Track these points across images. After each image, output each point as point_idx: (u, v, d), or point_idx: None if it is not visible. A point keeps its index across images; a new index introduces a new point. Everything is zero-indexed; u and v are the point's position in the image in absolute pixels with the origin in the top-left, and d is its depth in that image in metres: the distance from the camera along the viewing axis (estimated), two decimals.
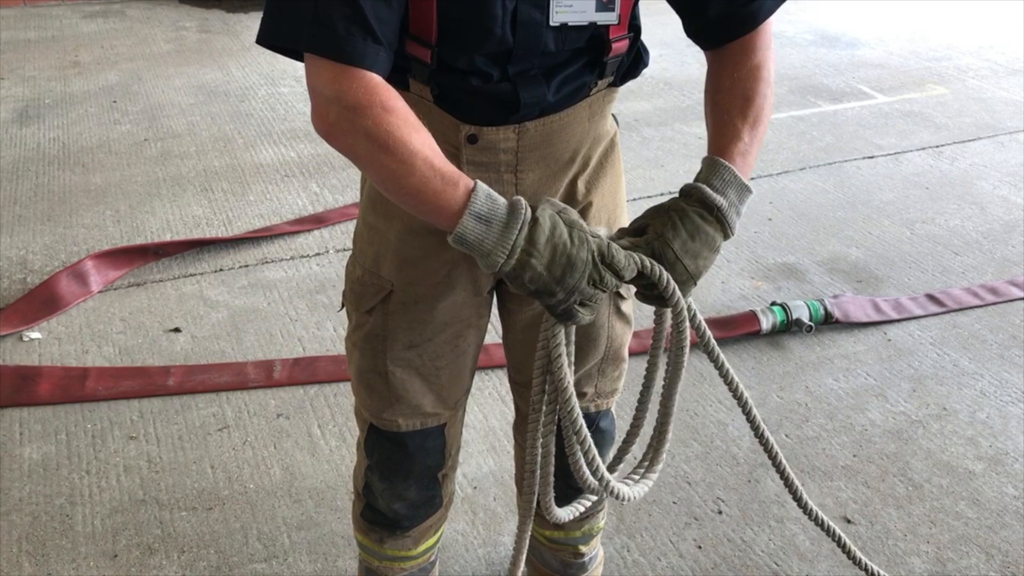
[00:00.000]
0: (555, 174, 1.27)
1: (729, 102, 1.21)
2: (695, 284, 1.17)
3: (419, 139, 1.04)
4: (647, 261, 1.12)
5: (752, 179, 3.84)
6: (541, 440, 1.23)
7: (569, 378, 1.17)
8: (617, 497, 1.25)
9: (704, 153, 1.22)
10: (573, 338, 1.20)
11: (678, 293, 1.15)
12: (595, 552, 1.75)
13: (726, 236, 1.17)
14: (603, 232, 1.14)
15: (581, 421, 1.19)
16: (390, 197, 1.10)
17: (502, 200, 1.07)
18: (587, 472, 1.23)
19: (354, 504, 1.63)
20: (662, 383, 1.32)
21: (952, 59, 5.36)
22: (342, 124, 1.04)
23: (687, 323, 1.20)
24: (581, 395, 1.48)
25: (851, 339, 2.72)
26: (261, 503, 2.09)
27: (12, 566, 1.92)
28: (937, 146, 4.12)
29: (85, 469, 2.19)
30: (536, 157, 1.24)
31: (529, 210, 1.07)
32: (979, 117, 4.46)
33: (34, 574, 1.91)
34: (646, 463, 1.36)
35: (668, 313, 1.24)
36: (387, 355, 1.37)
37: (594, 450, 1.21)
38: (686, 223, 1.14)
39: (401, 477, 1.48)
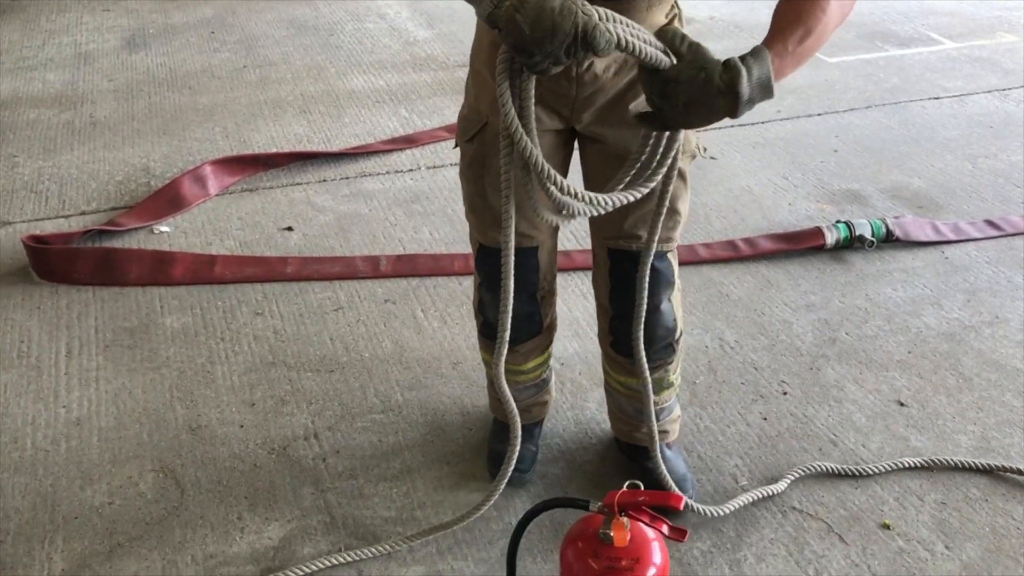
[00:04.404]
0: None
1: (784, 22, 1.32)
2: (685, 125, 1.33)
3: None
4: (625, 39, 1.19)
5: (817, 115, 3.99)
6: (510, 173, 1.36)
7: (517, 122, 1.27)
8: (574, 213, 1.35)
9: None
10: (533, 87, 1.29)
11: (664, 59, 1.24)
12: (670, 403, 1.95)
13: (729, 108, 1.25)
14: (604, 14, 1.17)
15: (536, 152, 1.29)
16: None
17: None
18: (546, 189, 1.32)
19: (476, 325, 1.93)
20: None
21: None
22: None
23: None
24: (635, 237, 1.67)
25: (910, 256, 2.90)
26: (376, 368, 2.37)
27: (167, 409, 2.24)
28: (1004, 89, 4.21)
29: (220, 337, 2.49)
30: None
31: None
32: None
33: (186, 415, 2.22)
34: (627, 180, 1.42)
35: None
36: (485, 180, 1.66)
37: (547, 169, 1.30)
38: (709, 70, 1.24)
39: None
